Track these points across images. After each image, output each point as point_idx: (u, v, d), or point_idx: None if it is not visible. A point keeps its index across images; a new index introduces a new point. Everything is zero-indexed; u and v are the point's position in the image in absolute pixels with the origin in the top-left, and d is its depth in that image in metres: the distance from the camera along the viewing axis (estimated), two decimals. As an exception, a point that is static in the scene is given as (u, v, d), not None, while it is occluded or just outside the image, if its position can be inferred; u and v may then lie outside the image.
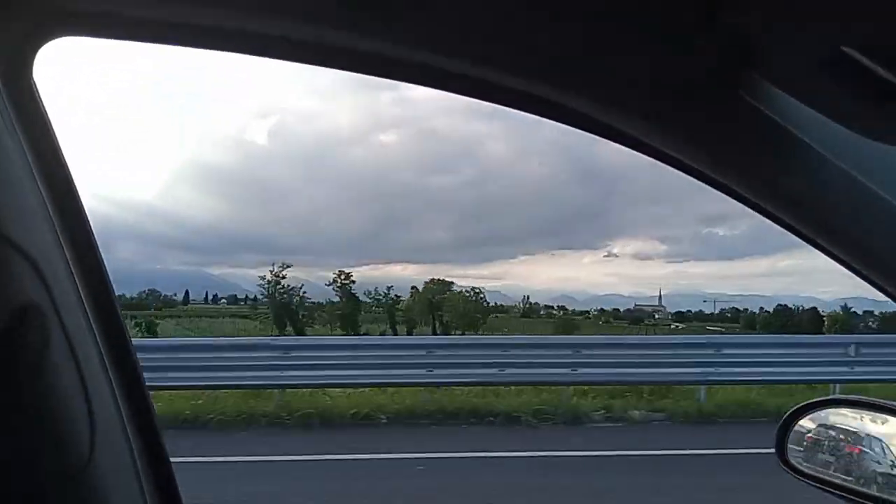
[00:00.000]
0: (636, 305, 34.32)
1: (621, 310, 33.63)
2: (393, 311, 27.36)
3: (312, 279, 30.79)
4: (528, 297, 35.72)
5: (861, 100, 0.39)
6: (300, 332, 23.77)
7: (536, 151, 52.84)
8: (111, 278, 0.56)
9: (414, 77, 0.52)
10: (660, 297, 34.73)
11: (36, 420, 0.47)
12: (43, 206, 0.50)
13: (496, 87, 0.50)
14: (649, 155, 0.55)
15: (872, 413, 0.92)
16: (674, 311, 32.60)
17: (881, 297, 0.59)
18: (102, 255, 0.56)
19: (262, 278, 26.31)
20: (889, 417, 0.89)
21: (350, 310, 26.34)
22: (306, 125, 54.33)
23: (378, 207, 50.07)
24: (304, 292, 27.57)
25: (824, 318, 27.32)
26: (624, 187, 52.22)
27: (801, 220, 0.53)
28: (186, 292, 30.06)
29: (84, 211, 0.54)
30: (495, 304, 33.80)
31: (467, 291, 29.85)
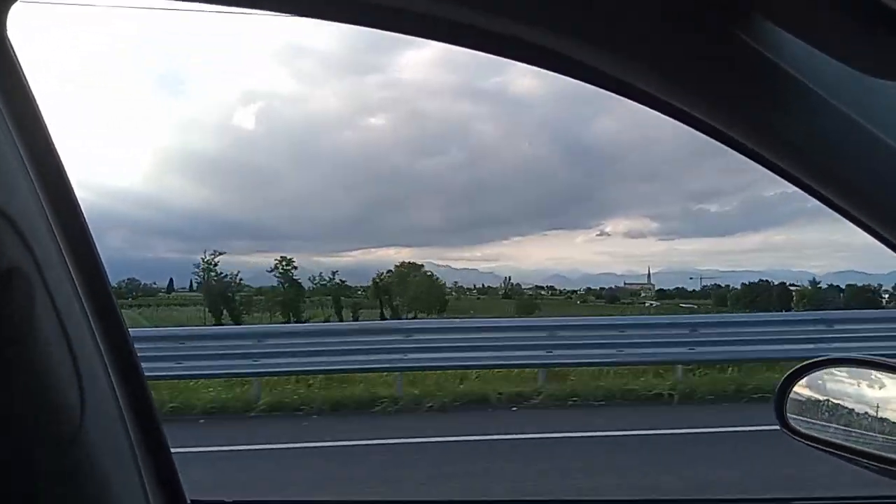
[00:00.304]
0: (625, 283, 36.13)
1: (615, 287, 35.58)
2: (339, 297, 28.03)
3: (305, 264, 31.76)
4: (509, 278, 37.51)
5: (864, 32, 0.38)
6: (237, 321, 24.10)
7: (525, 132, 55.39)
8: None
9: (416, 29, 0.52)
10: (648, 274, 36.66)
11: (24, 385, 0.48)
12: (24, 169, 0.51)
13: (490, 35, 0.50)
14: (644, 103, 0.54)
15: (871, 370, 0.96)
16: (670, 287, 34.30)
17: (870, 269, 0.59)
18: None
19: (197, 266, 25.96)
20: (887, 374, 0.93)
21: (292, 296, 26.54)
22: (293, 109, 55.97)
23: (369, 191, 52.05)
24: (241, 279, 28.15)
25: (793, 294, 28.88)
26: (614, 166, 54.91)
27: (801, 167, 0.54)
28: (170, 280, 30.65)
29: (66, 175, 0.56)
30: (483, 285, 36.35)
31: (430, 273, 31.69)
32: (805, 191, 0.56)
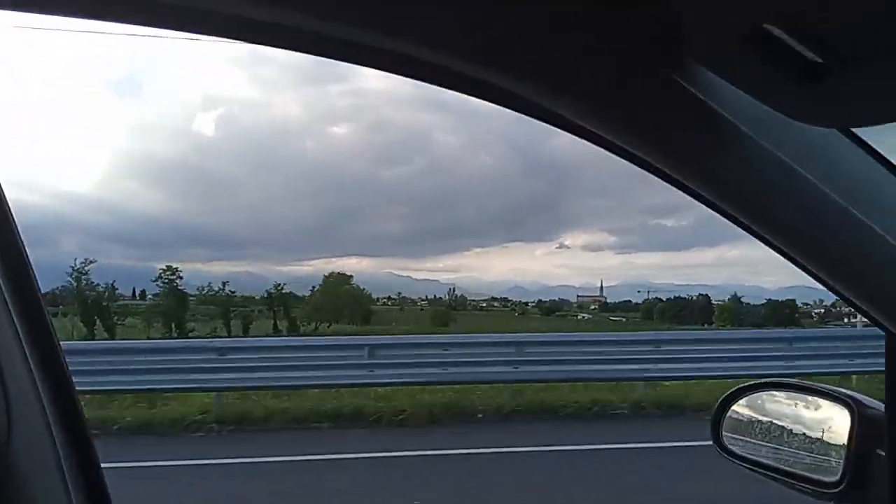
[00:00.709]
0: (578, 296, 37.95)
1: (559, 300, 38.89)
2: (228, 309, 28.13)
3: (265, 273, 34.17)
4: (453, 289, 40.12)
5: (784, 79, 0.43)
6: (110, 332, 23.47)
7: (487, 145, 57.33)
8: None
9: (337, 53, 0.55)
10: (601, 287, 38.68)
11: None
12: None
13: (434, 67, 0.53)
14: (591, 141, 0.61)
15: (803, 395, 1.07)
16: (618, 300, 36.26)
17: (818, 285, 0.70)
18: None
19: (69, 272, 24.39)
20: (818, 399, 1.03)
21: (174, 307, 26.39)
22: (255, 116, 60.99)
23: (330, 200, 56.54)
24: (116, 289, 27.95)
25: (714, 308, 31.13)
26: (574, 180, 57.69)
27: (736, 207, 0.62)
28: (113, 287, 29.62)
29: (5, 199, 0.58)
30: (434, 296, 38.89)
31: (356, 285, 33.64)
32: (741, 227, 0.65)
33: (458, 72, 0.52)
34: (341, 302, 32.08)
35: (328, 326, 28.69)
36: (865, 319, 0.72)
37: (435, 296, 39.60)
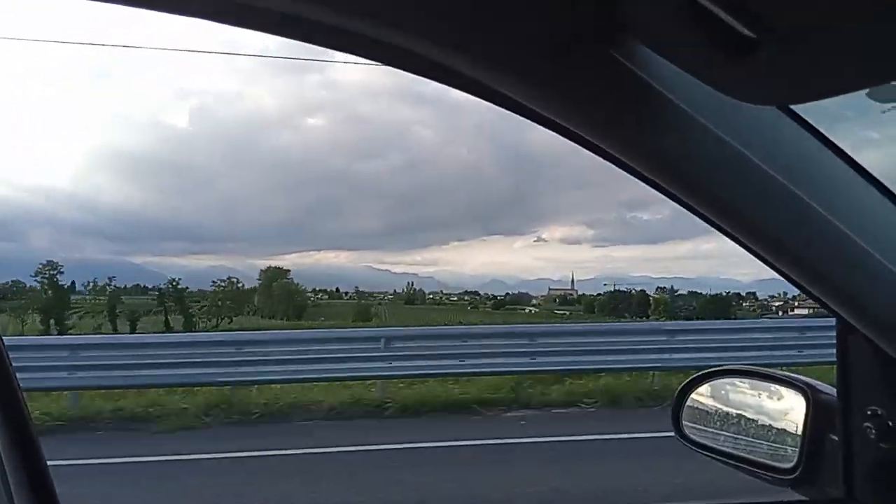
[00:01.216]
0: (550, 289, 39.09)
1: (510, 293, 39.13)
2: (114, 305, 27.30)
3: (241, 268, 32.96)
4: (412, 284, 40.44)
5: (717, 55, 0.43)
6: None
7: (464, 137, 58.57)
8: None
9: (280, 28, 0.54)
10: (572, 280, 39.83)
11: None
12: None
13: (375, 43, 0.53)
14: (535, 121, 0.62)
15: (760, 382, 1.08)
16: (597, 293, 37.37)
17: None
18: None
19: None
20: (775, 386, 1.05)
21: (54, 303, 25.43)
22: (229, 107, 57.41)
23: (307, 193, 54.84)
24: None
25: (651, 301, 32.26)
26: (551, 173, 60.27)
27: (678, 186, 0.63)
28: (72, 282, 28.37)
29: None
30: (394, 291, 38.57)
31: (290, 279, 33.47)
32: (676, 202, 0.66)
33: (401, 47, 0.52)
34: (274, 296, 31.99)
35: (229, 322, 28.01)
36: (803, 310, 0.73)
37: (394, 290, 40.01)
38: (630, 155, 0.60)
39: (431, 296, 39.42)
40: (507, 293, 39.88)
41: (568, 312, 32.42)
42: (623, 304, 32.22)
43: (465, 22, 0.49)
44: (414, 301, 38.00)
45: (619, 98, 0.55)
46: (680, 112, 0.55)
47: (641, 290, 33.81)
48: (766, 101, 0.50)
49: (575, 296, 37.08)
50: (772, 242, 0.65)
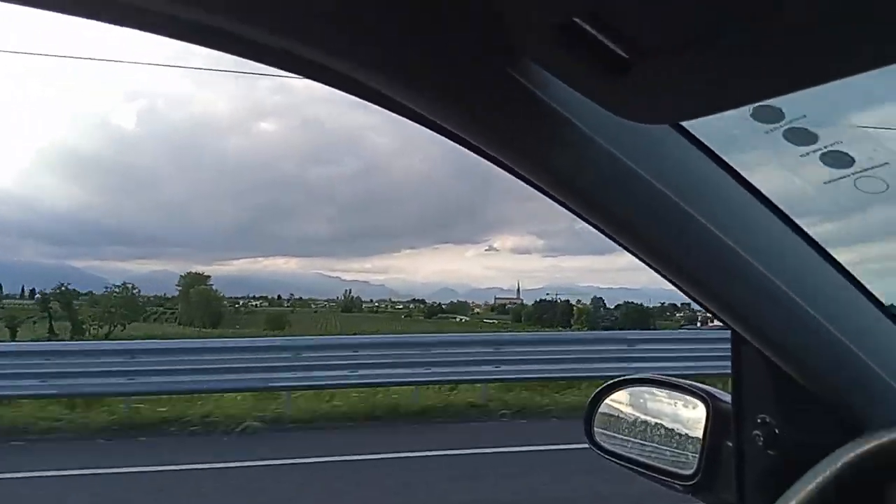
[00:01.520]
0: (496, 298, 39.16)
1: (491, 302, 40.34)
2: None
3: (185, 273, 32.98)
4: (349, 291, 41.56)
5: (597, 73, 0.44)
6: None
7: (418, 146, 57.49)
8: None
9: (168, 30, 0.53)
10: (518, 289, 40.06)
11: None
12: None
13: (287, 54, 0.53)
14: (444, 135, 0.63)
15: (667, 390, 1.12)
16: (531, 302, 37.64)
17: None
18: None
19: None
20: (683, 395, 1.09)
21: None
22: (179, 110, 55.01)
23: (257, 198, 54.80)
24: None
25: (574, 311, 33.31)
26: (503, 183, 59.03)
27: (570, 198, 0.66)
28: None
29: None
30: (329, 299, 39.63)
31: (210, 286, 33.70)
32: (577, 216, 0.68)
33: (307, 59, 0.53)
34: (192, 303, 31.60)
35: (122, 329, 27.31)
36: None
37: (329, 299, 40.17)
38: (527, 170, 0.62)
39: (376, 303, 39.37)
40: (451, 301, 40.50)
41: (496, 321, 33.06)
42: (548, 313, 33.08)
43: (368, 34, 0.50)
44: (351, 309, 37.71)
45: (515, 115, 0.56)
46: (574, 129, 0.57)
47: (566, 301, 34.92)
48: (647, 120, 0.51)
49: (520, 304, 37.85)
50: (664, 257, 0.68)
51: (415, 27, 0.49)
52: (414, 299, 41.20)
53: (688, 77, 0.42)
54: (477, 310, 38.83)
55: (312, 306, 38.67)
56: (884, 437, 0.65)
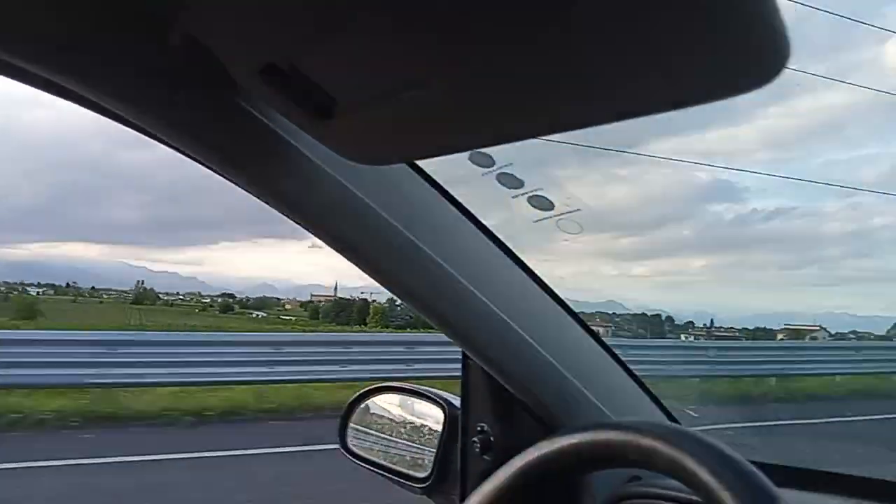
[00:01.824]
0: (311, 295, 37.28)
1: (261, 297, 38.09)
2: None
3: None
4: (142, 283, 38.12)
5: (310, 115, 0.45)
6: None
7: None
8: None
9: None
10: (335, 287, 38.08)
11: None
12: None
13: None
14: (169, 146, 0.63)
15: (414, 398, 1.19)
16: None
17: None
18: None
19: None
20: (425, 402, 1.17)
21: None
22: None
23: (56, 179, 48.78)
24: None
25: (370, 310, 33.54)
26: None
27: (304, 225, 0.68)
28: None
29: None
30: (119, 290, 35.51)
31: None
32: (330, 246, 0.70)
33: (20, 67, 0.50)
34: None
35: None
36: None
37: (127, 290, 36.17)
38: (256, 193, 0.63)
39: (182, 296, 35.77)
40: (264, 296, 38.24)
41: (294, 318, 32.02)
42: (346, 311, 32.94)
43: (90, 51, 0.48)
44: (143, 301, 34.28)
45: (242, 141, 0.58)
46: (300, 158, 0.59)
47: (363, 299, 35.16)
48: (357, 160, 0.52)
49: (333, 303, 37.04)
50: (395, 282, 0.73)
51: (146, 56, 0.49)
52: (224, 293, 38.28)
53: (386, 126, 0.44)
54: (288, 306, 37.46)
55: (105, 297, 33.73)
56: (564, 439, 0.75)
